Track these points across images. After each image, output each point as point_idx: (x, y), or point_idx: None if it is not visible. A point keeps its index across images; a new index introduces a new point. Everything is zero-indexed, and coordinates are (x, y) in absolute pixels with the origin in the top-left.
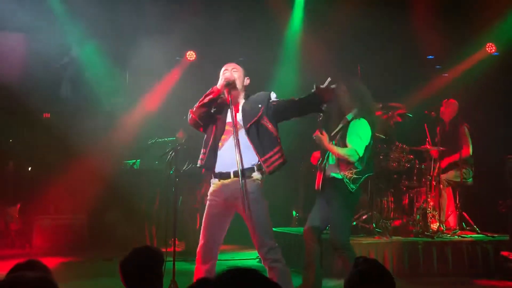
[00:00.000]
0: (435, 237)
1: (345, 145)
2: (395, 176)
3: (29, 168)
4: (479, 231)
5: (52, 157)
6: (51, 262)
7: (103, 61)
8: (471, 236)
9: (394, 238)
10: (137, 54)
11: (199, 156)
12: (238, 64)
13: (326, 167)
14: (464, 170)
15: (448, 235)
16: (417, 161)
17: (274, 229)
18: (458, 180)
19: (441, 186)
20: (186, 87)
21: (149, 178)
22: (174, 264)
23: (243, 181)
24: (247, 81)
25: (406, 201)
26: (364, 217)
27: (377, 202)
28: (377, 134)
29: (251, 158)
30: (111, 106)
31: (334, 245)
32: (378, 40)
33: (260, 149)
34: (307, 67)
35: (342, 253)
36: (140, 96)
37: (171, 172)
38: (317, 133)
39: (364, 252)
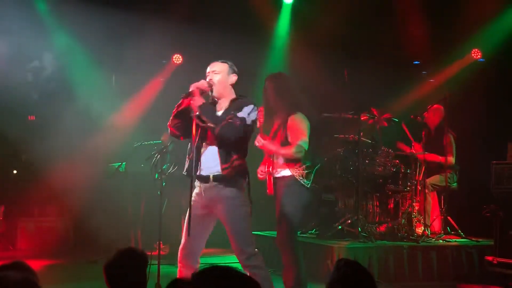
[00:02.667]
0: (420, 242)
1: (287, 143)
2: (380, 180)
3: (14, 171)
4: (463, 235)
5: (37, 159)
6: (35, 265)
7: (89, 64)
8: (455, 241)
9: (379, 242)
10: (124, 57)
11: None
12: (225, 62)
13: (275, 169)
14: (448, 175)
15: (433, 240)
16: (402, 166)
17: (262, 233)
18: (443, 184)
19: (426, 190)
20: (173, 90)
21: (134, 181)
22: (159, 267)
23: (221, 185)
24: (233, 79)
25: (392, 205)
26: (349, 221)
27: (363, 206)
28: (363, 139)
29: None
30: (97, 109)
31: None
32: (365, 45)
33: (223, 155)
34: (294, 71)
35: (287, 251)
36: (126, 99)
37: (156, 175)
38: (259, 138)
39: (349, 256)
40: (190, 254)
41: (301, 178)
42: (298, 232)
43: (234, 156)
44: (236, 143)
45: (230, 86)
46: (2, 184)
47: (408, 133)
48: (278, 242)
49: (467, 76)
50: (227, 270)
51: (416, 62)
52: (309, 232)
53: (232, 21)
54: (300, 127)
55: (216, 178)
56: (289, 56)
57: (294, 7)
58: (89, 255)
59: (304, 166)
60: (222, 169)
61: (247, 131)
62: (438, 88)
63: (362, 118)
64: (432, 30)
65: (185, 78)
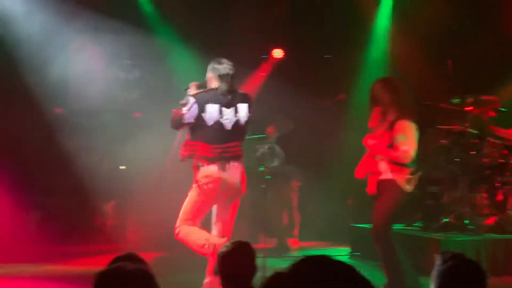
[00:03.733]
0: None
1: (393, 147)
2: (487, 171)
3: (121, 167)
4: None
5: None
6: (145, 257)
7: (191, 61)
8: None
9: (487, 235)
10: (224, 53)
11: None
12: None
13: (378, 171)
14: None
15: None
16: (511, 156)
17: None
18: None
19: None
20: (274, 84)
21: None
22: (264, 260)
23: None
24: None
25: (500, 197)
26: (455, 214)
27: (469, 199)
28: (469, 130)
29: None
30: None
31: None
32: (470, 34)
33: None
34: (395, 63)
35: (382, 249)
36: None
37: (261, 168)
38: (369, 138)
39: (456, 250)
40: None
41: (403, 183)
42: (402, 225)
43: None
44: None
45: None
46: (112, 179)
47: None
48: (374, 240)
49: None
50: (325, 259)
51: None
52: (414, 224)
53: (332, 13)
54: (410, 133)
55: None
56: (390, 48)
57: None
58: None
59: (408, 171)
60: None
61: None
62: None
63: (467, 109)
64: None
65: (286, 73)
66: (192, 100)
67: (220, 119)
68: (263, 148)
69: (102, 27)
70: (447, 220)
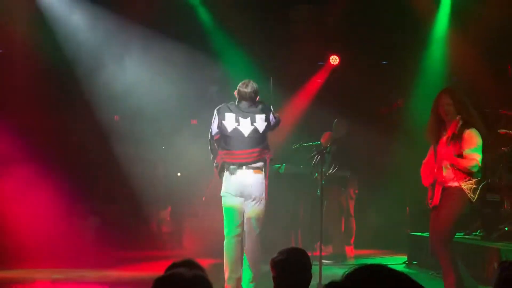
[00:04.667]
0: None
1: (460, 156)
2: None
3: (178, 174)
4: None
5: (199, 161)
6: (201, 263)
7: (247, 68)
8: None
9: None
10: (280, 59)
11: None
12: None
13: (444, 179)
14: None
15: None
16: None
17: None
18: None
19: None
20: (330, 91)
21: (294, 182)
22: (320, 268)
23: None
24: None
25: None
26: None
27: None
28: None
29: None
30: None
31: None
32: None
33: None
34: (454, 67)
35: (443, 259)
36: (284, 101)
37: (316, 175)
38: (440, 148)
39: None
40: None
41: (468, 192)
42: (461, 234)
43: None
44: None
45: None
46: (168, 186)
47: None
48: (434, 249)
49: None
50: (380, 269)
51: None
52: (474, 233)
53: (389, 18)
54: (477, 143)
55: None
56: (449, 53)
57: (454, 1)
58: None
59: (474, 180)
60: None
61: None
62: None
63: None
64: None
65: (342, 79)
66: (215, 111)
67: (238, 127)
68: (316, 155)
69: (159, 35)
70: (507, 229)
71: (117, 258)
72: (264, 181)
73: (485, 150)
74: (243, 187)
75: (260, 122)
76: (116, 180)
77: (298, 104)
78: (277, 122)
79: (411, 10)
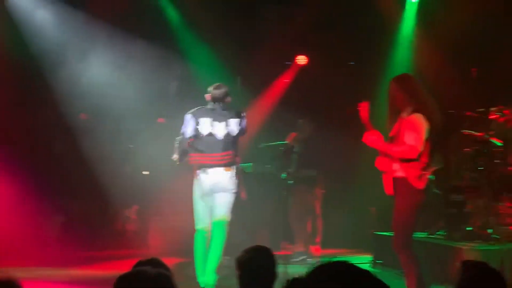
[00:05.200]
0: None
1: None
2: None
3: (144, 172)
4: None
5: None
6: (167, 262)
7: (215, 66)
8: None
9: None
10: (248, 59)
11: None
12: None
13: (391, 169)
14: None
15: None
16: None
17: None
18: None
19: None
20: (297, 91)
21: (260, 181)
22: (286, 267)
23: None
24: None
25: None
26: (479, 223)
27: (493, 208)
28: (494, 138)
29: None
30: None
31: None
32: (494, 42)
33: None
34: (419, 70)
35: (403, 255)
36: (252, 101)
37: (283, 175)
38: (369, 134)
39: (480, 259)
40: None
41: (414, 180)
42: (425, 234)
43: None
44: None
45: None
46: (134, 184)
47: None
48: (394, 246)
49: None
50: (343, 266)
51: None
52: (437, 233)
53: (356, 20)
54: (416, 127)
55: None
56: (415, 55)
57: (420, 5)
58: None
59: (420, 167)
60: None
61: None
62: None
63: (491, 117)
64: None
65: (310, 79)
66: (188, 116)
67: (212, 131)
68: (280, 155)
69: (126, 33)
70: (471, 229)
71: (82, 256)
72: (235, 176)
73: (444, 147)
74: (214, 184)
75: (234, 126)
76: (82, 178)
77: (265, 103)
78: (246, 130)
79: (378, 12)
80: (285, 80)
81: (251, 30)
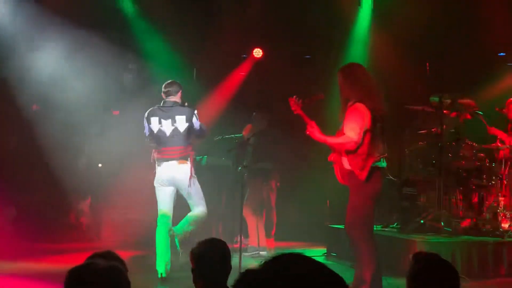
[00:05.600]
0: (505, 237)
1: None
2: (464, 174)
3: (99, 165)
4: None
5: (121, 153)
6: (121, 255)
7: (170, 58)
8: None
9: (463, 237)
10: (204, 52)
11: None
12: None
13: (337, 160)
14: None
15: None
16: (487, 160)
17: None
18: None
19: None
20: (253, 84)
21: (215, 174)
22: (240, 260)
23: None
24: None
25: (476, 199)
26: (432, 216)
27: (446, 200)
28: (446, 132)
29: None
30: None
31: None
32: (448, 38)
33: None
34: (375, 64)
35: (354, 246)
36: (207, 93)
37: (239, 168)
38: (309, 127)
39: (432, 251)
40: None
41: (357, 170)
42: (379, 226)
43: None
44: None
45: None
46: (88, 177)
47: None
48: (348, 235)
49: None
50: (297, 257)
51: (501, 54)
52: (391, 226)
53: (312, 14)
54: (354, 117)
55: None
56: (370, 49)
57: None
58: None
59: (361, 157)
60: None
61: None
62: None
63: (444, 111)
64: None
65: (265, 72)
66: (144, 117)
67: (161, 128)
68: (237, 148)
69: (81, 25)
70: (423, 221)
71: (34, 249)
72: (189, 169)
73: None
74: (172, 177)
75: (181, 123)
76: (35, 170)
77: (221, 96)
78: (202, 130)
79: (334, 6)
80: (241, 72)
81: (208, 22)
